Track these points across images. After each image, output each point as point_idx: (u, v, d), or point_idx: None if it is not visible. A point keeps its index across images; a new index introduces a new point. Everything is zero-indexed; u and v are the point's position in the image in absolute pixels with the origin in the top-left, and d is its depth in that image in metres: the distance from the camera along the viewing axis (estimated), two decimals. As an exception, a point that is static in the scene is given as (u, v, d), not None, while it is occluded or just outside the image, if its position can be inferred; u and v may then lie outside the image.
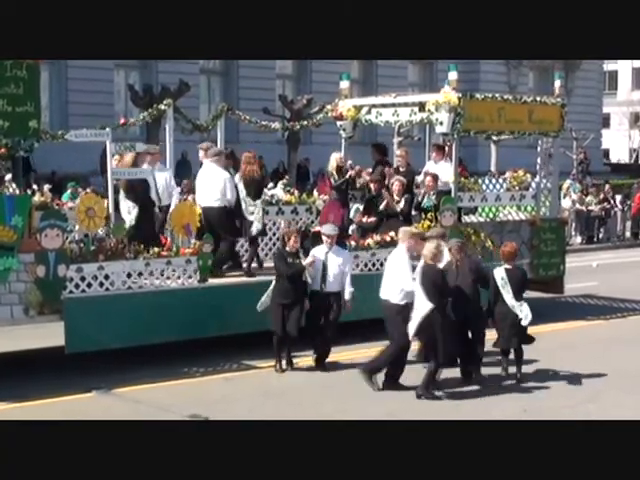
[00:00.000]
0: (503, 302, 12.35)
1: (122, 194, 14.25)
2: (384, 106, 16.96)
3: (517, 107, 16.55)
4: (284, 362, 12.97)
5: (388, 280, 12.15)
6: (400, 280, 11.93)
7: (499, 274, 12.46)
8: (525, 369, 12.81)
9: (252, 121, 17.42)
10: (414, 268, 11.99)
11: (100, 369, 12.69)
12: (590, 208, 30.88)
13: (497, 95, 16.92)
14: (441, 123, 15.62)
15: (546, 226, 17.35)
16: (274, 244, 16.72)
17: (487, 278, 12.47)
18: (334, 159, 16.20)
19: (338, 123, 17.67)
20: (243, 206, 14.83)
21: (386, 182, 16.38)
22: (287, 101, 33.65)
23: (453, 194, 15.95)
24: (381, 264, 14.23)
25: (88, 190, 16.95)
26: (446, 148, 17.25)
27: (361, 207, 16.65)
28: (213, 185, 14.59)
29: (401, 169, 16.63)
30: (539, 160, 17.60)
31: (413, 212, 16.22)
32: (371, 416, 10.48)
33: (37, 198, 15.05)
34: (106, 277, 12.82)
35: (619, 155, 66.69)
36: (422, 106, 16.01)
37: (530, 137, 18.68)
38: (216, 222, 14.60)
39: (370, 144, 18.86)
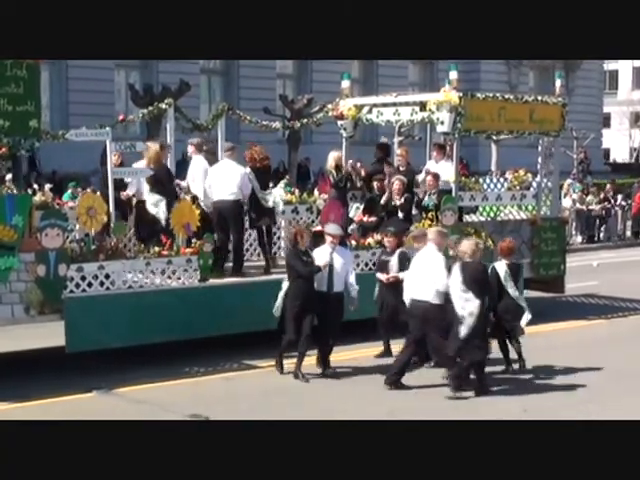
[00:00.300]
0: (508, 295, 12.46)
1: (147, 188, 14.29)
2: (385, 105, 16.96)
3: (518, 107, 16.54)
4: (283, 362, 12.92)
5: (421, 280, 11.92)
6: (436, 280, 11.80)
7: (502, 268, 12.52)
8: (525, 369, 12.83)
9: (252, 121, 17.42)
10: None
11: (100, 369, 12.69)
12: (590, 207, 30.88)
13: (498, 95, 16.92)
14: (442, 122, 15.62)
15: (547, 225, 17.36)
16: (274, 243, 16.73)
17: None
18: (332, 158, 16.22)
19: (339, 123, 17.66)
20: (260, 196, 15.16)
21: (386, 181, 16.40)
22: (287, 101, 33.65)
23: (454, 193, 15.95)
24: (381, 263, 14.22)
25: (88, 190, 16.93)
26: (447, 147, 17.27)
27: (361, 206, 16.67)
28: (230, 179, 14.75)
29: (401, 168, 16.63)
30: (540, 160, 17.60)
31: (414, 211, 16.23)
32: (371, 416, 10.48)
33: (38, 197, 15.04)
34: (107, 276, 12.83)
35: (619, 155, 66.69)
36: (423, 105, 16.01)
37: (531, 137, 18.68)
38: (230, 216, 14.79)
39: (371, 144, 18.90)
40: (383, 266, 13.31)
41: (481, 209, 17.73)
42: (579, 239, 30.42)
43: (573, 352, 14.04)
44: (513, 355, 12.94)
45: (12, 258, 12.06)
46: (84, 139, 14.43)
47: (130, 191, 14.85)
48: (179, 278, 13.54)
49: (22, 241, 12.15)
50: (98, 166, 15.26)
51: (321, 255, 12.77)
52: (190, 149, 15.33)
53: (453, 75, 15.85)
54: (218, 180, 14.84)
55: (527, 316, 12.55)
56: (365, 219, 16.18)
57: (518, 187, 17.41)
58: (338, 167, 16.06)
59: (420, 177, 16.80)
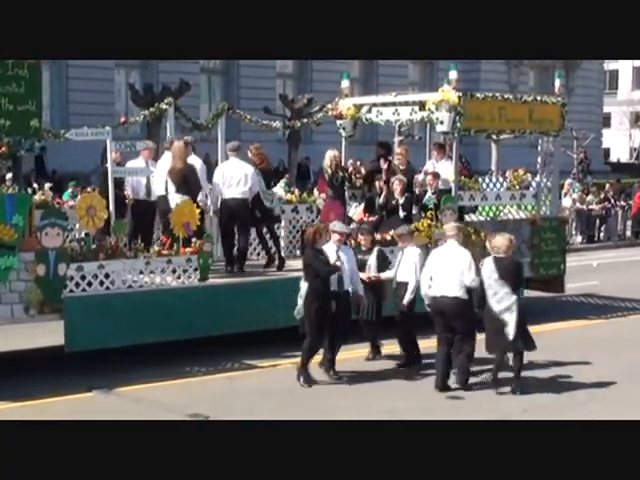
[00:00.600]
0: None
1: (172, 188, 14.23)
2: (384, 105, 16.97)
3: (517, 106, 16.54)
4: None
5: (448, 277, 11.96)
6: (467, 275, 11.88)
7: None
8: (525, 368, 12.82)
9: (253, 120, 17.43)
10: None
11: (100, 368, 12.69)
12: (591, 207, 30.89)
13: (497, 94, 16.92)
14: (441, 122, 15.62)
15: (546, 225, 17.35)
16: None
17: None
18: (328, 157, 16.26)
19: (338, 122, 17.67)
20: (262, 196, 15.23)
21: (384, 178, 16.40)
22: (288, 100, 33.65)
23: (453, 193, 15.95)
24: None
25: (89, 189, 16.94)
26: (447, 147, 17.27)
27: (361, 206, 16.67)
28: (241, 178, 14.81)
29: (401, 167, 16.63)
30: (539, 159, 17.60)
31: (414, 210, 16.23)
32: (371, 416, 10.48)
33: (38, 197, 15.04)
34: (106, 276, 12.83)
35: (620, 154, 66.67)
36: (422, 105, 16.01)
37: (531, 136, 18.67)
38: (241, 214, 14.89)
39: (371, 143, 18.89)
40: (360, 266, 13.17)
41: (481, 209, 17.73)
42: (579, 239, 30.43)
43: (573, 352, 14.03)
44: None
45: (12, 258, 12.07)
46: (84, 139, 14.45)
47: (126, 191, 14.86)
48: (179, 277, 13.54)
49: (22, 240, 12.16)
50: (98, 164, 15.26)
51: (328, 253, 12.71)
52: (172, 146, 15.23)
53: (452, 75, 15.85)
54: (228, 178, 14.87)
55: None
56: (365, 218, 16.18)
57: (517, 187, 17.41)
58: (334, 165, 16.10)
59: (420, 177, 16.79)
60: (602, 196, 31.77)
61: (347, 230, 13.26)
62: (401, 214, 15.87)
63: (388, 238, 15.03)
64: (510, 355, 12.00)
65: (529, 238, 17.03)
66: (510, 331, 11.66)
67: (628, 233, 32.25)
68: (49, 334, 13.14)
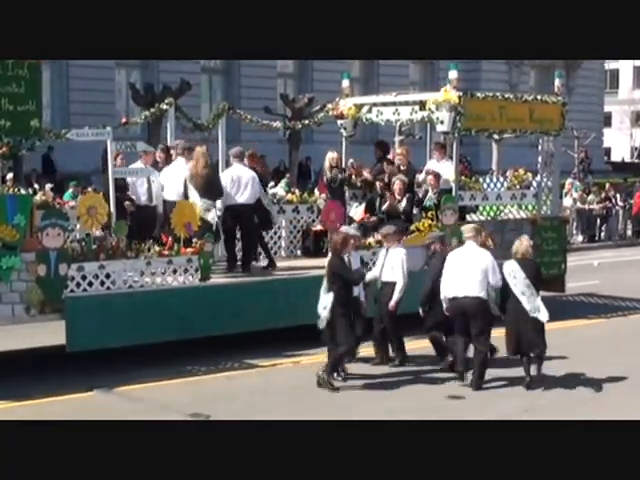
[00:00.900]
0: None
1: (195, 194, 14.21)
2: (385, 105, 16.98)
3: (518, 106, 16.55)
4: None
5: (469, 277, 12.08)
6: (490, 276, 12.07)
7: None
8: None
9: (253, 120, 17.42)
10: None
11: (101, 368, 12.70)
12: (591, 207, 30.88)
13: (498, 94, 16.94)
14: (442, 122, 15.63)
15: (547, 225, 17.36)
16: (275, 243, 16.75)
17: None
18: (327, 158, 16.29)
19: (339, 122, 17.68)
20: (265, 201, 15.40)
21: (386, 180, 16.40)
22: (288, 100, 33.63)
23: (454, 193, 15.96)
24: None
25: (89, 189, 16.96)
26: (447, 147, 17.27)
27: (362, 206, 16.67)
28: (246, 184, 14.85)
29: (402, 167, 16.64)
30: (540, 159, 17.60)
31: (414, 210, 16.24)
32: (371, 416, 10.48)
33: (38, 197, 15.04)
34: (107, 276, 12.84)
35: (621, 154, 66.64)
36: (423, 105, 16.03)
37: (531, 136, 18.67)
38: (247, 219, 14.94)
39: (372, 143, 18.89)
40: None
41: (481, 208, 17.74)
42: (580, 238, 30.42)
43: (573, 351, 14.03)
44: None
45: (14, 258, 12.09)
46: (85, 139, 14.43)
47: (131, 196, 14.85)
48: (180, 277, 13.55)
49: (24, 241, 12.17)
50: (99, 166, 15.24)
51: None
52: (178, 151, 15.17)
53: (453, 74, 15.85)
54: (236, 184, 14.85)
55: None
56: (366, 219, 16.19)
57: (518, 186, 17.42)
58: (333, 167, 16.12)
59: (420, 177, 16.80)
60: (603, 195, 31.76)
61: (357, 234, 13.28)
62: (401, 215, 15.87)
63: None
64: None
65: (530, 238, 16.99)
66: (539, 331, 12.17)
67: (629, 232, 32.24)
68: (50, 334, 13.15)
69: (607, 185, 33.06)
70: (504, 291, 12.29)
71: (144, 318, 13.02)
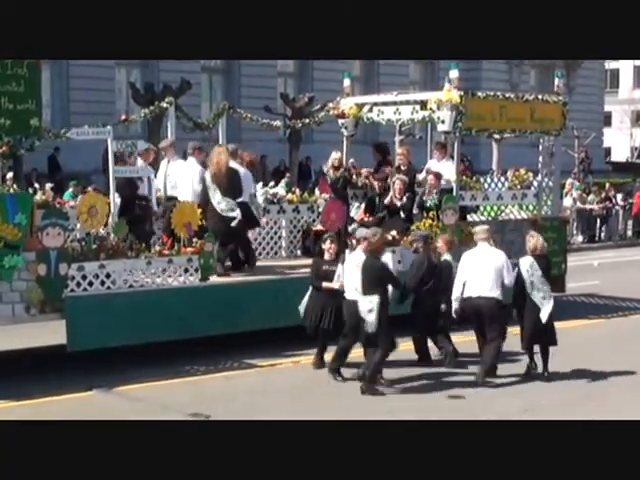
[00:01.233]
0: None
1: (217, 193, 14.25)
2: (386, 104, 16.97)
3: (519, 105, 16.55)
4: None
5: (485, 278, 12.22)
6: (506, 276, 12.27)
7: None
8: (525, 368, 12.85)
9: (253, 119, 17.42)
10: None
11: (101, 368, 12.70)
12: (591, 207, 30.87)
13: (499, 93, 16.93)
14: (443, 121, 15.62)
15: (547, 225, 17.34)
16: (275, 243, 16.75)
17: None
18: (331, 159, 16.28)
19: (339, 121, 17.67)
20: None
21: (388, 181, 16.41)
22: (289, 99, 33.62)
23: (455, 193, 15.95)
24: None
25: (89, 189, 16.93)
26: (448, 146, 17.26)
27: (362, 206, 16.67)
28: (248, 183, 14.92)
29: (402, 167, 16.63)
30: (541, 159, 17.60)
31: (415, 210, 16.24)
32: (371, 416, 10.48)
33: (38, 196, 15.04)
34: (107, 276, 12.84)
35: (620, 154, 66.62)
36: (424, 104, 16.02)
37: (532, 136, 18.67)
38: (248, 216, 14.87)
39: (372, 143, 18.88)
40: (326, 276, 12.71)
41: (482, 208, 17.73)
42: (580, 238, 30.42)
43: (573, 351, 14.02)
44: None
45: (16, 257, 12.09)
46: (85, 138, 14.42)
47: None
48: (180, 277, 13.55)
49: (26, 240, 12.17)
50: (99, 165, 15.22)
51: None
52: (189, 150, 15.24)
53: (454, 74, 15.83)
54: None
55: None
56: (366, 218, 16.19)
57: (519, 186, 17.41)
58: (336, 168, 16.10)
59: (421, 176, 16.80)
60: (603, 195, 31.75)
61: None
62: (402, 214, 15.87)
63: (390, 238, 15.01)
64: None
65: (530, 238, 16.99)
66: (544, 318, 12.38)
67: (629, 233, 32.24)
68: (50, 334, 13.14)
69: (607, 185, 33.06)
70: (518, 288, 12.42)
71: (144, 318, 13.02)
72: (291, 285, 14.16)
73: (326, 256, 12.87)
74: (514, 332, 12.68)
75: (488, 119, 16.16)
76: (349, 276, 12.13)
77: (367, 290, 11.64)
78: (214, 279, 13.95)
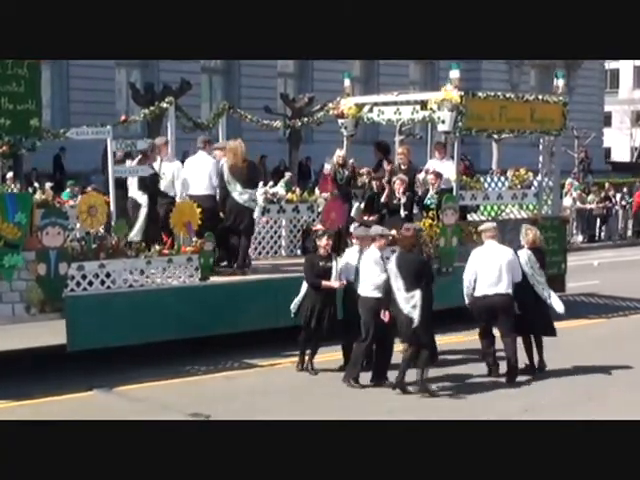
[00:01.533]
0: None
1: (238, 185, 14.47)
2: (386, 104, 16.97)
3: (519, 105, 16.55)
4: None
5: (495, 274, 12.37)
6: (515, 272, 12.48)
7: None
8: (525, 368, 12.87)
9: (253, 119, 17.43)
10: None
11: (101, 368, 12.69)
12: (591, 207, 30.88)
13: (499, 93, 16.93)
14: (443, 121, 15.62)
15: (547, 224, 17.34)
16: (275, 242, 16.76)
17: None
18: (336, 156, 16.26)
19: (339, 121, 17.66)
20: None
21: (386, 178, 16.39)
22: (289, 99, 33.66)
23: (455, 192, 15.95)
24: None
25: (89, 188, 16.95)
26: (448, 146, 17.26)
27: (362, 205, 16.66)
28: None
29: (402, 167, 16.62)
30: (541, 158, 17.60)
31: (415, 210, 16.23)
32: (371, 416, 10.48)
33: (38, 196, 15.04)
34: (107, 275, 12.84)
35: (620, 154, 66.63)
36: (424, 104, 16.02)
37: (532, 135, 18.67)
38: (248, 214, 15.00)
39: (372, 143, 18.87)
40: (324, 273, 12.60)
41: (482, 208, 17.73)
42: (580, 238, 30.44)
43: (573, 351, 14.03)
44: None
45: (16, 256, 12.09)
46: (85, 138, 14.43)
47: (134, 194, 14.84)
48: (180, 277, 13.55)
49: (26, 239, 12.17)
50: (99, 165, 15.22)
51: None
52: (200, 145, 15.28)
53: (454, 74, 15.83)
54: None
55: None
56: (366, 218, 16.18)
57: (519, 186, 17.42)
58: (342, 165, 16.08)
59: (421, 176, 16.79)
60: (603, 195, 31.76)
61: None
62: (402, 213, 15.87)
63: (390, 238, 14.98)
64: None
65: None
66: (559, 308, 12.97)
67: (629, 232, 32.25)
68: (50, 334, 13.14)
69: (607, 185, 33.06)
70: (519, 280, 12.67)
71: (144, 318, 13.02)
72: (291, 285, 14.14)
73: (321, 252, 12.79)
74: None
75: (488, 119, 16.16)
76: (366, 273, 12.17)
77: (409, 286, 11.60)
78: (214, 279, 13.95)
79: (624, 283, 20.69)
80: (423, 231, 13.89)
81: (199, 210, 13.84)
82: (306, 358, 12.78)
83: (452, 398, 11.69)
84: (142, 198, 14.20)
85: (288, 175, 28.54)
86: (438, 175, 16.29)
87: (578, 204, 30.49)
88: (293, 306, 12.73)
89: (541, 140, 17.69)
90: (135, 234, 13.92)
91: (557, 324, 13.13)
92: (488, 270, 12.43)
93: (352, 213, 16.47)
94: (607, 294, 19.50)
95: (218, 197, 14.78)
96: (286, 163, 33.14)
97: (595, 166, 45.43)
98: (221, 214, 14.88)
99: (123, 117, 16.78)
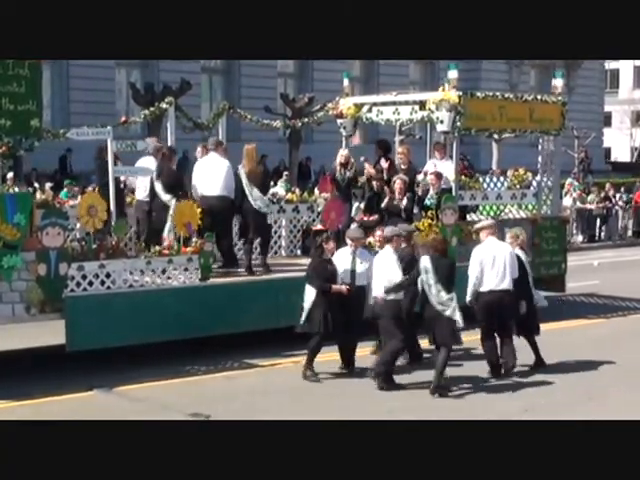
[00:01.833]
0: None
1: (256, 190, 14.68)
2: (385, 104, 16.97)
3: (518, 105, 16.55)
4: None
5: (500, 271, 12.54)
6: (514, 269, 12.66)
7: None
8: (525, 368, 12.85)
9: (253, 120, 17.43)
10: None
11: (101, 368, 12.70)
12: (591, 207, 30.88)
13: (498, 93, 16.94)
14: (442, 122, 15.62)
15: (547, 224, 17.36)
16: (275, 242, 16.75)
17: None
18: (340, 155, 16.25)
19: (338, 121, 17.66)
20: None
21: (385, 177, 16.37)
22: (288, 99, 33.66)
23: (454, 192, 15.95)
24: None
25: (89, 188, 16.95)
26: (447, 146, 17.26)
27: (362, 205, 16.65)
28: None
29: (402, 167, 16.62)
30: (540, 159, 17.60)
31: (415, 210, 16.23)
32: (371, 416, 10.49)
33: (38, 196, 15.05)
34: (107, 275, 12.84)
35: (620, 154, 66.64)
36: (423, 104, 16.02)
37: (531, 136, 18.67)
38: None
39: (372, 143, 18.87)
40: (332, 277, 12.55)
41: (481, 208, 17.73)
42: (580, 238, 30.43)
43: (573, 351, 14.04)
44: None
45: (15, 257, 12.09)
46: (85, 138, 14.44)
47: (139, 195, 14.83)
48: (180, 277, 13.56)
49: (25, 240, 12.17)
50: (95, 163, 15.17)
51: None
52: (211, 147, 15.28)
53: (453, 74, 15.83)
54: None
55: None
56: (366, 218, 16.17)
57: (518, 186, 17.42)
58: (344, 165, 16.07)
59: (420, 177, 16.79)
60: (603, 195, 31.76)
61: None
62: (402, 214, 15.85)
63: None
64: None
65: (530, 237, 16.98)
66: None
67: (629, 232, 32.25)
68: (50, 334, 13.14)
69: (607, 185, 33.06)
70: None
71: (144, 318, 13.02)
72: (291, 285, 14.15)
73: (329, 255, 12.80)
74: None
75: (487, 119, 16.17)
76: (379, 274, 12.23)
77: (447, 289, 11.83)
78: (214, 279, 13.95)
79: (624, 283, 20.69)
80: (419, 232, 13.89)
81: (212, 211, 14.06)
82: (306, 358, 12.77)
83: (452, 398, 11.69)
84: (167, 197, 14.14)
85: (286, 175, 28.61)
86: (439, 175, 16.28)
87: (578, 204, 30.48)
88: (303, 315, 12.43)
89: (540, 140, 17.69)
90: (167, 234, 13.92)
91: (557, 324, 13.16)
92: (494, 266, 12.54)
93: (352, 213, 16.47)
94: (607, 294, 19.50)
95: (235, 201, 14.82)
96: (286, 163, 33.15)
97: (595, 166, 45.43)
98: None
99: (123, 118, 16.79)
